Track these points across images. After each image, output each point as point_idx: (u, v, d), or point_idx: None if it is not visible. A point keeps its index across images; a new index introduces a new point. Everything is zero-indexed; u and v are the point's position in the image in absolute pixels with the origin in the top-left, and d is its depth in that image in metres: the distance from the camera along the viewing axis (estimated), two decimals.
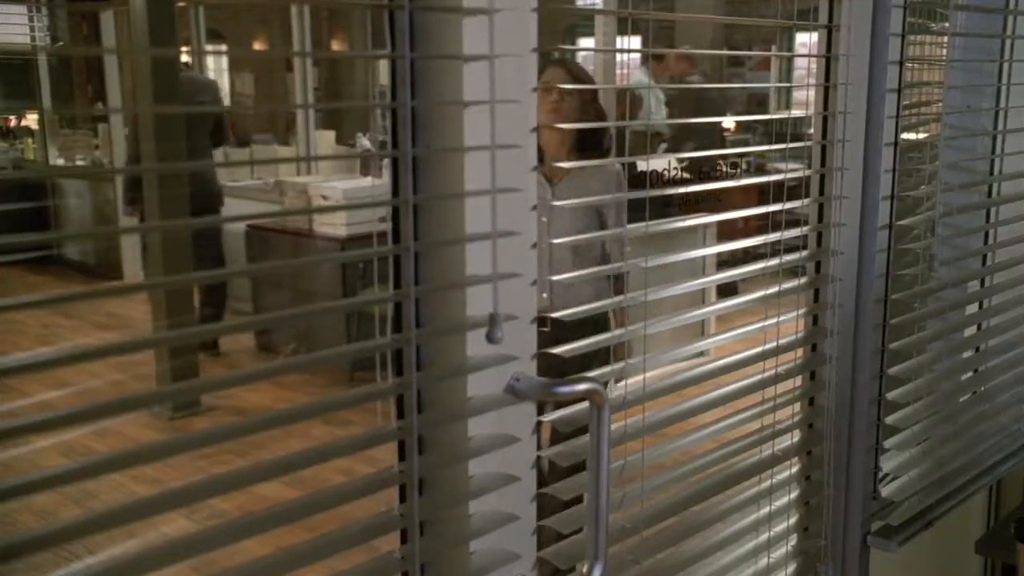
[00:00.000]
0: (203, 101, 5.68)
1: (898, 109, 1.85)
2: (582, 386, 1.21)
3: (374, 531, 1.14)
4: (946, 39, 2.17)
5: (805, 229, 1.80)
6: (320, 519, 1.17)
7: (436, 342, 1.17)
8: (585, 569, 1.20)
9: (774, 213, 1.67)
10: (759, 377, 1.67)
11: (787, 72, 6.79)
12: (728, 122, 5.84)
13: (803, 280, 1.80)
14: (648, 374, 1.42)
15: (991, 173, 2.14)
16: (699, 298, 4.57)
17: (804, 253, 1.81)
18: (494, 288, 1.12)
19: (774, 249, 1.67)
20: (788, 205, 1.68)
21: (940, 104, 2.17)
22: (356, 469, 1.46)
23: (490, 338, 1.11)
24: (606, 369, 1.38)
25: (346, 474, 1.23)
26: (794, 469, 1.82)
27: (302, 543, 1.09)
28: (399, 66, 1.10)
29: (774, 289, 1.66)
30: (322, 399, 1.14)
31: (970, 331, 2.23)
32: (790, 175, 1.70)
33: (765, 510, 1.72)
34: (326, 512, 1.13)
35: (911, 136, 2.08)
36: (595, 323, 1.42)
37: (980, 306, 2.24)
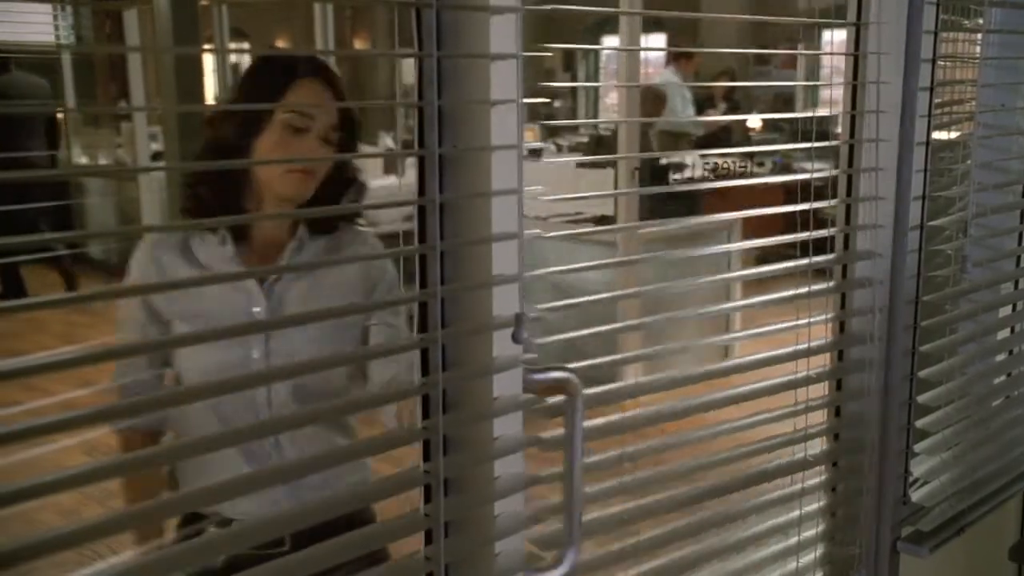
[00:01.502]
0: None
1: (930, 108, 1.82)
2: (556, 374, 1.20)
3: (400, 531, 1.13)
4: (979, 36, 2.13)
5: (834, 230, 1.78)
6: None
7: (462, 342, 1.16)
8: (555, 556, 1.19)
9: (802, 212, 1.64)
10: (787, 379, 1.65)
11: (813, 71, 6.73)
12: (754, 121, 5.80)
13: (832, 283, 1.78)
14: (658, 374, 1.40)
15: None
16: (723, 295, 4.55)
17: (832, 256, 1.78)
18: (520, 288, 1.10)
19: (803, 249, 1.65)
20: (817, 205, 1.65)
21: (973, 103, 2.14)
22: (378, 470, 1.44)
23: (516, 338, 1.09)
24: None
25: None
26: (823, 477, 1.79)
27: (326, 543, 1.08)
28: (426, 65, 1.09)
29: (803, 290, 1.64)
30: (349, 399, 1.13)
31: (1003, 334, 2.19)
32: (818, 175, 1.67)
33: (795, 513, 1.69)
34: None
35: (943, 135, 2.05)
36: None
37: (1013, 308, 2.20)
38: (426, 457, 1.15)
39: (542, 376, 1.20)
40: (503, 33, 1.08)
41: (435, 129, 1.09)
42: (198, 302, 1.50)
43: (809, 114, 1.94)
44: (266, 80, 1.54)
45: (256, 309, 1.51)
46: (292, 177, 1.50)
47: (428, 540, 1.15)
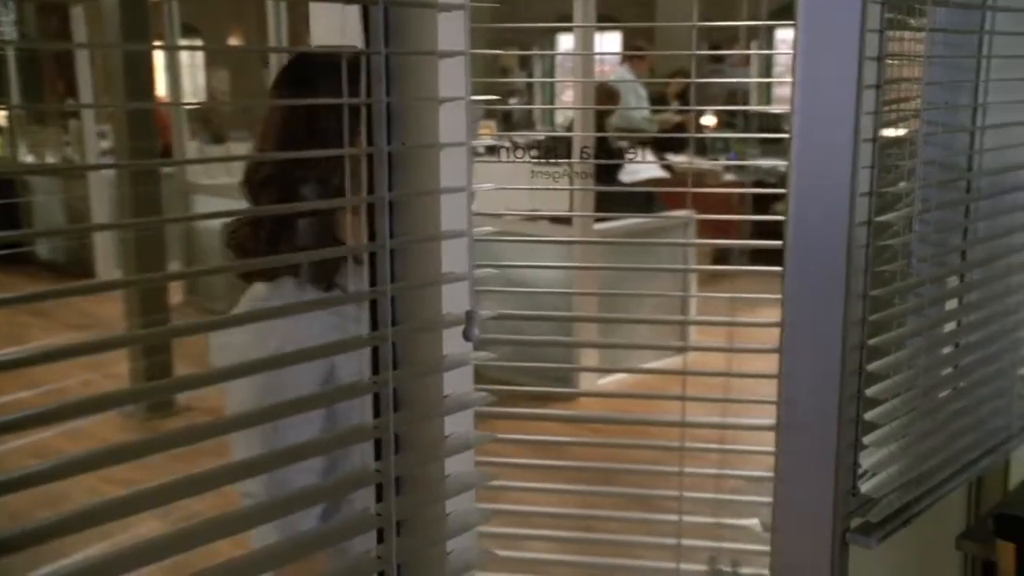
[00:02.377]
0: None
1: (877, 105, 1.84)
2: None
3: (351, 531, 1.13)
4: (925, 35, 2.17)
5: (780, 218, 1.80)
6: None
7: (412, 340, 1.16)
8: None
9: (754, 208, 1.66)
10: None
11: (768, 69, 6.79)
12: (707, 119, 5.85)
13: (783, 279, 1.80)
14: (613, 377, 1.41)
15: (969, 169, 2.14)
16: (679, 290, 4.59)
17: (779, 242, 1.80)
18: (470, 285, 1.11)
19: (754, 248, 1.67)
20: (771, 190, 1.67)
21: (919, 100, 2.17)
22: None
23: (467, 336, 1.09)
24: None
25: None
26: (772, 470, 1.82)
27: (278, 543, 1.07)
28: (374, 62, 1.09)
29: (749, 295, 1.66)
30: (299, 396, 1.12)
31: (950, 327, 2.23)
32: (770, 171, 1.69)
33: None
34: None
35: (892, 132, 2.09)
36: None
37: (960, 302, 2.24)
38: (378, 456, 1.15)
39: None
40: (451, 30, 1.08)
41: (384, 126, 1.09)
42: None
43: (757, 109, 1.95)
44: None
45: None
46: None
47: (380, 539, 1.14)
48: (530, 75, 10.86)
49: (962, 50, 2.13)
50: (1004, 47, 2.13)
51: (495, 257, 1.36)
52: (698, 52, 2.43)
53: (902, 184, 2.03)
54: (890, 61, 1.91)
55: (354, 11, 1.09)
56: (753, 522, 2.18)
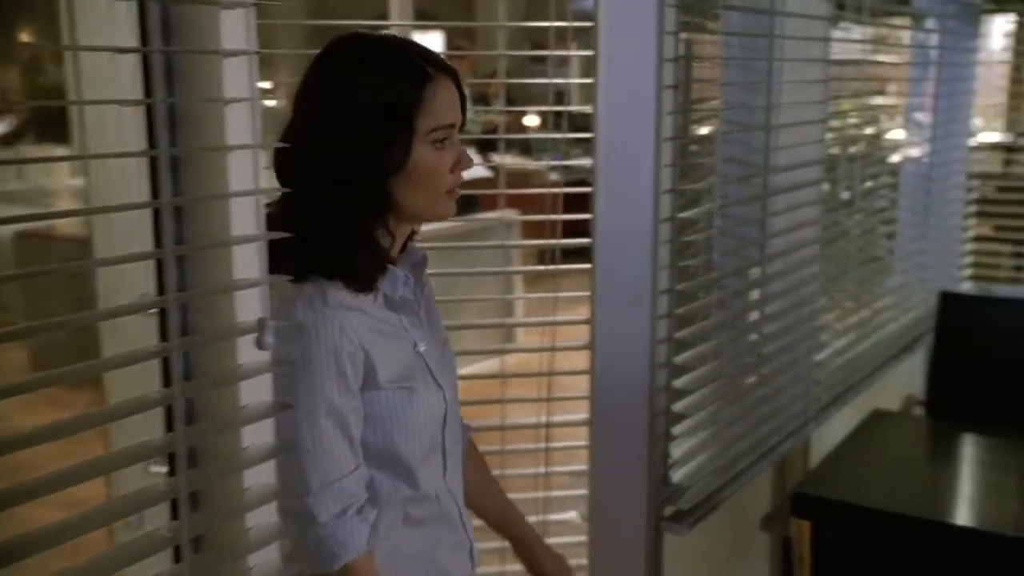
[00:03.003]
0: None
1: (676, 105, 1.90)
2: None
3: (143, 551, 1.07)
4: (722, 37, 2.26)
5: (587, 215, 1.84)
6: (85, 541, 1.09)
7: (205, 350, 1.11)
8: None
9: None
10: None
11: (589, 70, 6.92)
12: (530, 119, 5.92)
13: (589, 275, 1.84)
14: None
15: (765, 166, 2.25)
16: (501, 295, 4.62)
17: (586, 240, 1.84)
18: (263, 292, 1.07)
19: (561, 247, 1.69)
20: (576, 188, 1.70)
21: (718, 100, 2.26)
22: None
23: (260, 344, 1.06)
24: None
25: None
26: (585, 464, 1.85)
27: (67, 569, 1.01)
28: (153, 62, 1.04)
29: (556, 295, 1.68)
30: (86, 414, 1.06)
31: (754, 317, 2.33)
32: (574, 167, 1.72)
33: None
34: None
35: (693, 131, 2.16)
36: None
37: (761, 293, 2.34)
38: (172, 471, 1.10)
39: None
40: (235, 29, 1.05)
41: (165, 129, 1.04)
42: (390, 362, 1.22)
43: (560, 109, 2.00)
44: (399, 91, 1.17)
45: (422, 346, 1.28)
46: (454, 195, 1.24)
47: (178, 558, 1.10)
48: None
49: (755, 52, 2.23)
50: (792, 50, 2.24)
51: None
52: (511, 52, 2.45)
53: (703, 181, 2.11)
54: (698, 64, 1.98)
55: (130, 7, 1.05)
56: (572, 515, 2.23)
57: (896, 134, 3.37)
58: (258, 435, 1.14)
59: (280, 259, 1.14)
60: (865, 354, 2.88)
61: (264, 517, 1.15)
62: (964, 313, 2.91)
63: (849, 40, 2.69)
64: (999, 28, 3.94)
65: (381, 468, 1.23)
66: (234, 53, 1.05)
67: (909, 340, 3.12)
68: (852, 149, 2.78)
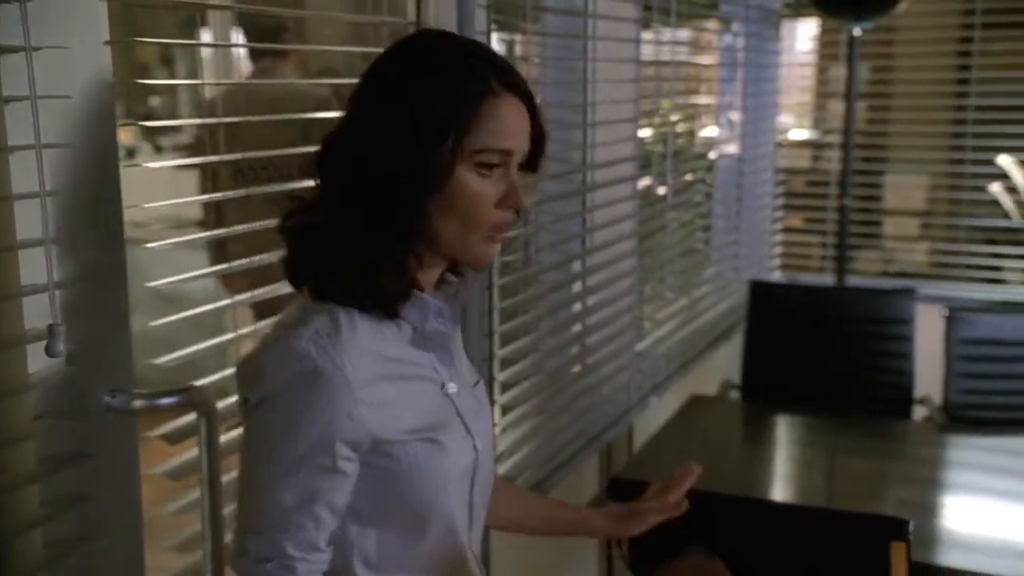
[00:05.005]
0: None
1: None
2: (185, 395, 1.15)
3: None
4: (544, 39, 2.31)
5: None
6: None
7: None
8: None
9: None
10: None
11: None
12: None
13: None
14: None
15: (584, 163, 2.31)
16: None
17: None
18: (51, 297, 1.03)
19: None
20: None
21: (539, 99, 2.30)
22: None
23: (50, 351, 1.02)
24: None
25: None
26: None
27: None
28: None
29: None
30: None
31: (577, 309, 2.39)
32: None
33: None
34: None
35: None
36: None
37: (583, 285, 2.41)
38: None
39: (170, 400, 1.15)
40: (9, 22, 1.00)
41: None
42: (412, 410, 1.06)
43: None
44: (452, 100, 1.01)
45: (452, 387, 1.13)
46: (496, 238, 1.07)
47: None
48: (173, 74, 10.33)
49: (572, 53, 2.29)
50: (605, 51, 2.31)
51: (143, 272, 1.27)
52: (344, 48, 2.43)
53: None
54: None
55: None
56: None
57: (710, 132, 3.52)
58: (58, 444, 1.10)
59: (301, 272, 1.05)
60: (685, 342, 3.00)
61: (63, 528, 1.11)
62: (773, 300, 3.07)
63: (659, 42, 2.79)
64: (804, 32, 4.19)
65: (393, 528, 1.07)
66: (12, 49, 1.00)
67: (725, 328, 3.27)
68: (670, 146, 2.89)
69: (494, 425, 2.02)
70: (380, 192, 1.01)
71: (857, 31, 3.13)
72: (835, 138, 3.97)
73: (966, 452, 2.50)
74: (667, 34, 2.79)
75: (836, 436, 2.62)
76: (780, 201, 3.82)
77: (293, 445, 0.97)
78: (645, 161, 2.74)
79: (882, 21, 3.14)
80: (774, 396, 2.93)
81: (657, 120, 2.85)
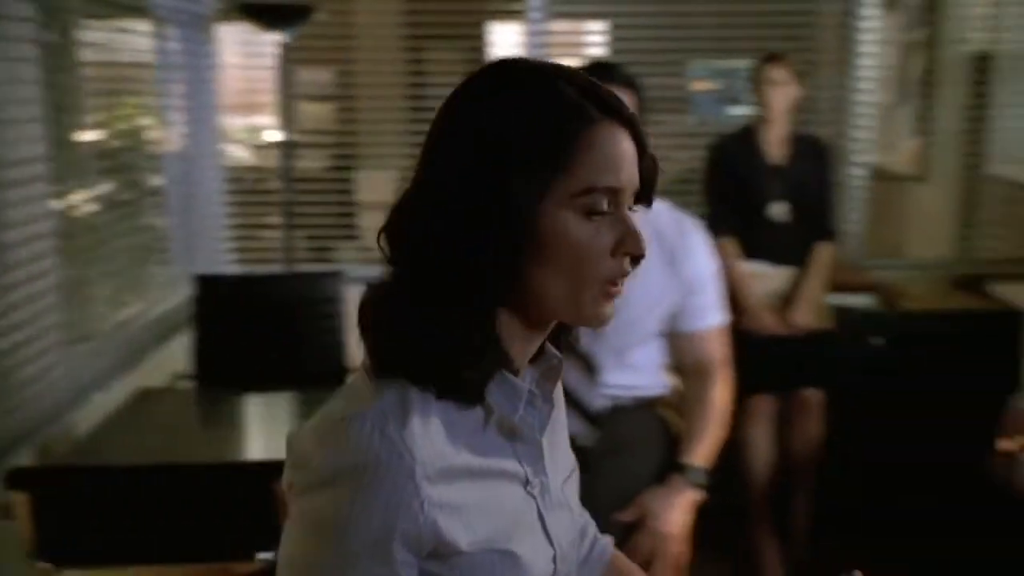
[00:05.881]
0: None
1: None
2: None
3: None
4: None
5: None
6: None
7: None
8: None
9: None
10: None
11: None
12: None
13: None
14: None
15: None
16: None
17: None
18: None
19: None
20: None
21: None
22: None
23: None
24: None
25: None
26: None
27: None
28: None
29: None
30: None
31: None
32: None
33: None
34: None
35: None
36: None
37: None
38: None
39: None
40: None
41: None
42: (483, 518, 0.89)
43: None
44: (542, 124, 0.86)
45: (536, 485, 0.97)
46: (613, 293, 0.91)
47: None
48: None
49: None
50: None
51: None
52: None
53: None
54: None
55: None
56: None
57: (160, 132, 3.59)
58: None
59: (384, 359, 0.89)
60: (132, 339, 3.05)
61: None
62: (220, 291, 3.23)
63: (84, 42, 2.81)
64: (239, 37, 4.34)
65: None
66: None
67: (177, 321, 3.36)
68: (118, 145, 2.90)
69: None
70: (464, 250, 0.86)
71: (286, 38, 3.37)
72: (310, 139, 4.24)
73: None
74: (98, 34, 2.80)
75: (284, 407, 2.88)
76: (231, 199, 4.01)
77: (343, 544, 0.82)
78: (74, 160, 2.74)
79: (303, 31, 3.40)
80: (228, 380, 3.09)
81: (91, 120, 2.86)
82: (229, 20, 3.80)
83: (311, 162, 4.67)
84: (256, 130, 5.13)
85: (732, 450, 2.50)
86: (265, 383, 3.02)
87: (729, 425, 2.20)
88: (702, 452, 2.11)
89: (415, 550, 0.83)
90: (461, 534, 0.85)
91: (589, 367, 2.15)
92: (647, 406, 2.25)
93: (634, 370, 2.21)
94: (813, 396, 3.17)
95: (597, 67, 2.16)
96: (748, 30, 4.10)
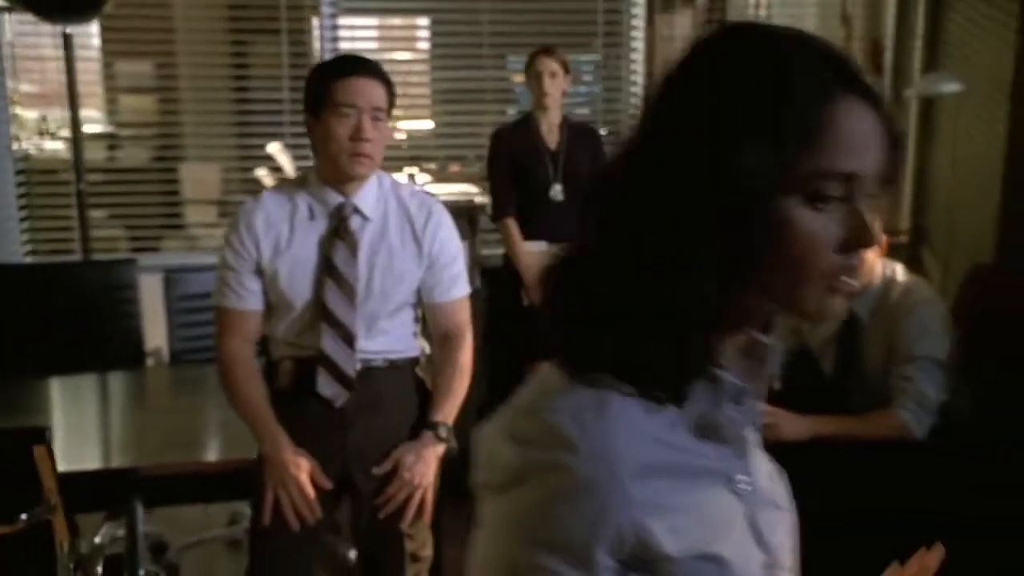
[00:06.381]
0: None
1: None
2: None
3: None
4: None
5: None
6: None
7: None
8: None
9: None
10: None
11: None
12: None
13: None
14: None
15: None
16: None
17: None
18: None
19: None
20: None
21: None
22: None
23: None
24: None
25: None
26: None
27: None
28: None
29: None
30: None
31: None
32: None
33: None
34: None
35: None
36: None
37: None
38: None
39: None
40: None
41: None
42: (687, 521, 0.80)
43: None
44: (775, 100, 0.76)
45: (743, 481, 0.86)
46: (840, 289, 0.80)
47: None
48: None
49: None
50: None
51: None
52: None
53: None
54: None
55: None
56: None
57: None
58: None
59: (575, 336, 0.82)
60: None
61: None
62: (12, 280, 3.34)
63: None
64: (94, 28, 4.37)
65: None
66: None
67: None
68: None
69: None
70: (688, 245, 0.77)
71: (68, 29, 3.42)
72: (130, 132, 4.28)
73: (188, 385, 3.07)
74: None
75: (81, 391, 3.00)
76: (22, 190, 4.09)
77: (540, 546, 0.76)
78: None
79: (90, 21, 3.47)
80: (30, 367, 3.18)
81: None
82: (13, 11, 3.78)
83: (136, 154, 4.72)
84: (61, 123, 5.12)
85: None
86: (66, 368, 3.13)
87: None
88: (449, 410, 2.34)
89: (617, 555, 0.75)
90: (667, 537, 0.76)
91: (345, 335, 2.34)
92: (399, 368, 2.45)
93: (385, 336, 2.41)
94: None
95: (347, 59, 2.34)
96: (559, 26, 4.40)
